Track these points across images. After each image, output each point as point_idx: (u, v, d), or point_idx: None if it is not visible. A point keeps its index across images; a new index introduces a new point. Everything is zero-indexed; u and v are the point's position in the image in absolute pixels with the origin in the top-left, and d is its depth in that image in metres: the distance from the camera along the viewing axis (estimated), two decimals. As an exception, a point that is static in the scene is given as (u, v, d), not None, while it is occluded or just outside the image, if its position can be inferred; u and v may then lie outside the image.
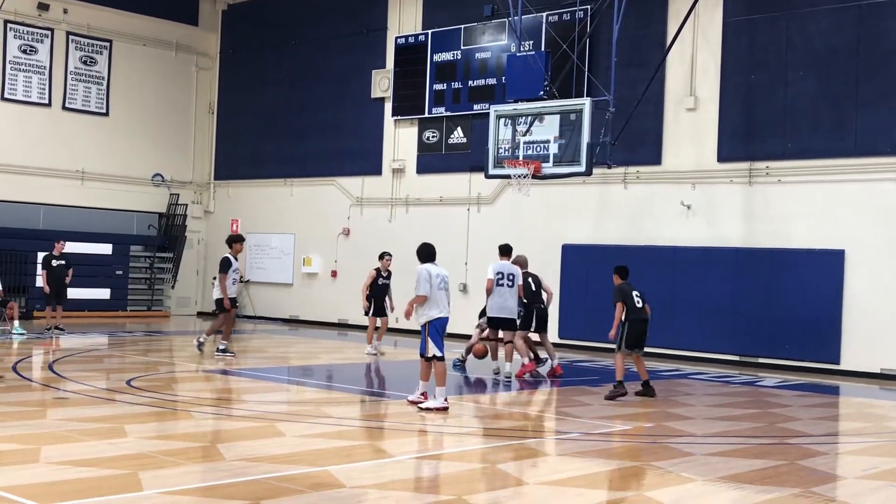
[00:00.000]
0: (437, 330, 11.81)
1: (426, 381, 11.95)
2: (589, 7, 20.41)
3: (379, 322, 18.32)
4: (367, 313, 18.32)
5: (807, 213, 18.31)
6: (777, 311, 18.32)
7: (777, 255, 18.45)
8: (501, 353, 15.34)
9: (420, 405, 11.68)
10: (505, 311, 14.99)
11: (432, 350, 11.77)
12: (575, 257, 20.81)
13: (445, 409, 11.54)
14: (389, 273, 18.43)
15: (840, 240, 17.85)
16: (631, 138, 19.02)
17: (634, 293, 13.50)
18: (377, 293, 18.20)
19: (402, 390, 13.51)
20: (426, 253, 12.16)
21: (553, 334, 20.70)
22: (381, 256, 18.46)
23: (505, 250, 15.57)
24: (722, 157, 19.36)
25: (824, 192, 18.14)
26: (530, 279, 15.56)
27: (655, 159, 20.17)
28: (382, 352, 18.45)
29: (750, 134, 19.08)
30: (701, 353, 18.97)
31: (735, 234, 19.07)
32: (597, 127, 17.53)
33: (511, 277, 15.04)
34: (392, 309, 18.51)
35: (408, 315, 12.07)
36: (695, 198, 19.63)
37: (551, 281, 21.06)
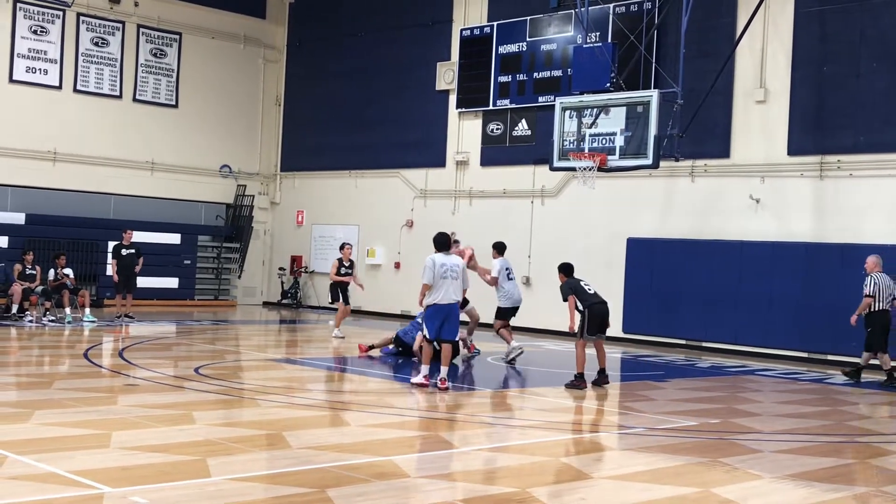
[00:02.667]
0: (432, 314, 12.48)
1: (432, 364, 12.68)
2: (657, -2, 20.19)
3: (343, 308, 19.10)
4: (335, 300, 19.19)
5: (879, 208, 17.92)
6: (847, 307, 17.83)
7: (848, 251, 18.08)
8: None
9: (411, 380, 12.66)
10: (518, 302, 16.29)
11: (424, 331, 12.70)
12: (640, 251, 20.63)
13: (424, 385, 12.34)
14: (351, 262, 19.34)
15: (913, 235, 17.45)
16: (699, 131, 18.77)
17: (582, 282, 13.58)
18: (342, 282, 19.03)
19: (465, 382, 13.53)
20: (437, 242, 12.86)
21: (618, 329, 20.58)
22: (342, 247, 19.49)
23: (501, 248, 16.61)
24: (792, 151, 19.03)
25: (898, 186, 17.73)
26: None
27: (724, 152, 19.89)
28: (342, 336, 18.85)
29: (821, 127, 18.73)
30: (768, 350, 18.69)
31: (805, 228, 18.75)
32: (664, 119, 17.35)
33: (511, 271, 16.44)
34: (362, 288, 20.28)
35: (420, 302, 12.81)
36: (764, 192, 19.33)
37: (616, 274, 20.93)
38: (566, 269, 13.87)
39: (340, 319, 19.13)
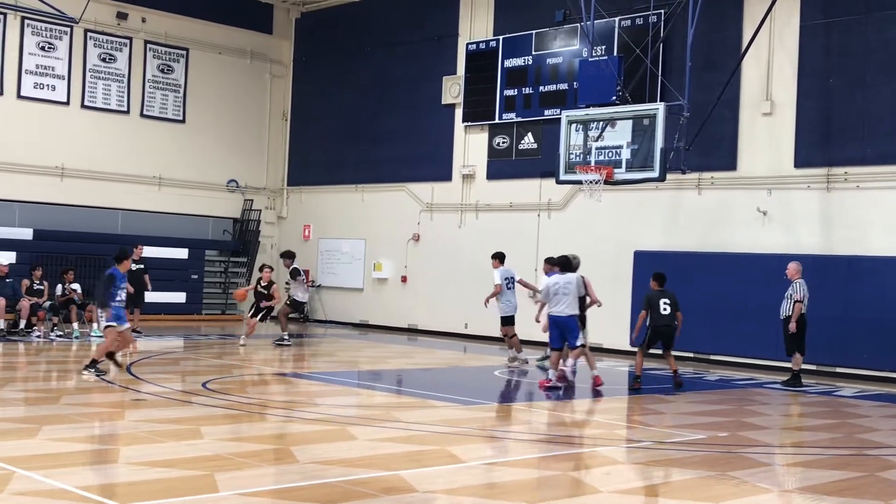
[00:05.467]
0: (550, 325, 14.49)
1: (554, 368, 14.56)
2: (662, 11, 20.21)
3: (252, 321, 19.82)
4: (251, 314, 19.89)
5: (887, 220, 17.88)
6: (855, 319, 17.93)
7: (856, 263, 18.06)
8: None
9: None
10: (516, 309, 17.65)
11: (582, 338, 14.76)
12: (647, 264, 20.52)
13: (557, 388, 14.26)
14: (269, 283, 19.71)
15: (921, 247, 17.42)
16: (705, 143, 18.78)
17: (662, 300, 14.81)
18: (256, 299, 19.75)
19: (471, 396, 13.53)
20: (559, 264, 15.07)
21: (625, 342, 20.53)
22: (261, 269, 20.28)
23: (501, 258, 17.88)
24: (799, 163, 19.02)
25: (905, 198, 17.71)
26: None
27: (730, 165, 19.88)
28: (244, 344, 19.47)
29: (828, 139, 18.72)
30: (777, 363, 18.62)
31: (812, 240, 18.72)
32: (670, 132, 17.35)
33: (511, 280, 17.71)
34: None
35: (536, 318, 15.65)
36: (771, 204, 19.31)
37: (623, 287, 20.88)
38: (658, 279, 15.18)
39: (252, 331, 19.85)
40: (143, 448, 8.74)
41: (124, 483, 7.40)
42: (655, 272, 15.37)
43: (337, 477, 7.88)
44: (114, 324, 14.22)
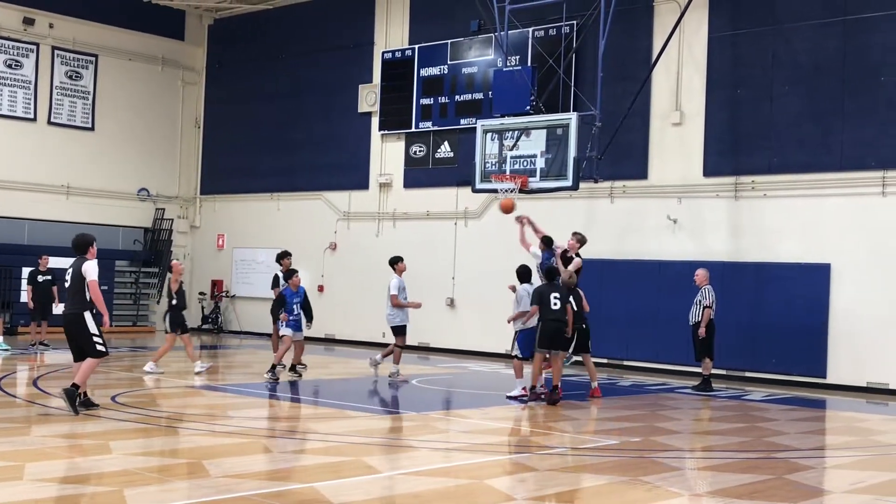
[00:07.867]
0: (529, 333, 14.16)
1: (519, 378, 14.29)
2: (575, 22, 20.47)
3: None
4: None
5: (792, 227, 18.37)
6: (763, 325, 18.36)
7: (763, 269, 18.50)
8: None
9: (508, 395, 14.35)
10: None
11: (515, 350, 14.59)
12: (562, 271, 20.78)
13: (520, 397, 14.05)
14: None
15: (826, 253, 17.92)
16: (617, 153, 19.05)
17: (553, 295, 13.87)
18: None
19: (389, 406, 13.49)
20: (519, 274, 14.88)
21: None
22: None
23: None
24: (708, 172, 19.42)
25: (810, 206, 18.21)
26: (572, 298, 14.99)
27: (642, 174, 20.22)
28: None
29: (735, 148, 19.16)
30: (687, 368, 18.96)
31: (721, 248, 19.12)
32: (583, 141, 17.58)
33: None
34: None
35: (510, 320, 14.76)
36: (681, 212, 19.67)
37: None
38: (550, 274, 14.36)
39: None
40: (50, 464, 8.52)
41: (29, 500, 7.20)
42: (550, 267, 14.55)
43: (250, 490, 7.77)
44: (289, 332, 16.12)
